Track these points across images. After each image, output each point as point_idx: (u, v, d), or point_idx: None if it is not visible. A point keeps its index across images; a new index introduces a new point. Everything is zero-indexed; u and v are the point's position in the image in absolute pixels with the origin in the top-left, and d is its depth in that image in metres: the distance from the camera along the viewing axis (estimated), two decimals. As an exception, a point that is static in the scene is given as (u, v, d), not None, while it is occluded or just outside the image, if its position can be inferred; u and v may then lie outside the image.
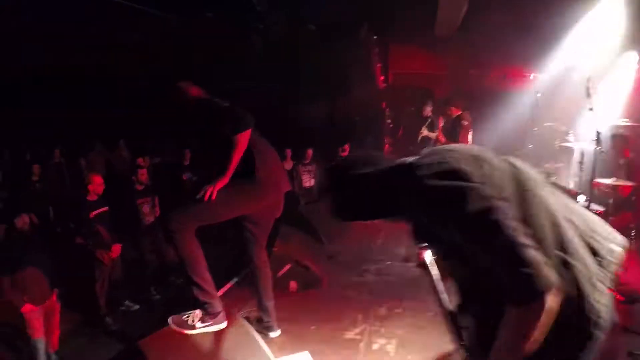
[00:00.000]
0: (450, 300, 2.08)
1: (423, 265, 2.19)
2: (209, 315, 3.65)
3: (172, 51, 12.07)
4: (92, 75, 14.99)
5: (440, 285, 2.09)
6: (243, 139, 3.46)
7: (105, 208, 7.38)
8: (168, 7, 10.08)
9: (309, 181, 9.95)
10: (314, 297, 5.44)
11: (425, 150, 1.91)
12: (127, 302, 7.82)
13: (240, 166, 3.53)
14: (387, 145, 12.55)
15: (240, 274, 5.51)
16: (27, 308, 5.94)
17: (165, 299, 8.01)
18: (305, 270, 5.63)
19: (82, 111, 17.06)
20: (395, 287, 5.75)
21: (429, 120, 10.04)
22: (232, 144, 3.47)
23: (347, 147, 11.56)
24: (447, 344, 4.20)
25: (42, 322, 6.11)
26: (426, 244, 2.06)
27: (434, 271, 2.13)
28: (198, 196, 3.45)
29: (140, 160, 9.39)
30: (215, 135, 3.60)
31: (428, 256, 2.18)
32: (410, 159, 1.89)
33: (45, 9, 9.51)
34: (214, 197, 3.41)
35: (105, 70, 14.11)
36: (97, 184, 7.33)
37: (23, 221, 6.18)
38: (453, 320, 2.02)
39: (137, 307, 7.84)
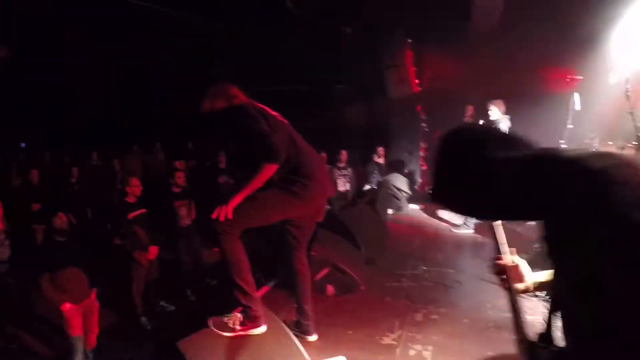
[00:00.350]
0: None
1: (504, 276, 1.93)
2: (249, 319, 3.66)
3: (208, 54, 12.21)
4: (129, 79, 15.26)
5: (521, 305, 1.80)
6: (268, 170, 3.43)
7: (143, 210, 7.48)
8: (205, 12, 10.19)
9: (343, 185, 9.92)
10: (350, 302, 5.40)
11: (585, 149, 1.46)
12: (162, 303, 7.91)
13: (289, 171, 3.55)
14: (422, 149, 12.45)
15: (277, 277, 5.52)
16: (66, 306, 6.04)
17: (200, 301, 8.08)
18: (343, 274, 5.61)
19: (119, 114, 17.47)
20: (431, 293, 5.71)
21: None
22: (258, 167, 3.46)
23: (381, 150, 11.53)
24: (483, 352, 4.21)
25: (80, 320, 6.21)
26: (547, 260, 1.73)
27: (517, 286, 1.87)
28: (212, 215, 3.45)
29: (177, 164, 9.52)
30: (249, 143, 3.61)
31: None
32: (564, 153, 1.38)
33: (88, 12, 9.70)
34: (229, 215, 3.39)
35: (141, 73, 14.31)
36: (134, 186, 7.45)
37: (61, 220, 6.30)
38: (531, 351, 1.68)
39: (172, 308, 7.92)
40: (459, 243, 7.84)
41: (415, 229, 8.63)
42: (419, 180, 12.22)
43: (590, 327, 1.37)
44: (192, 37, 11.80)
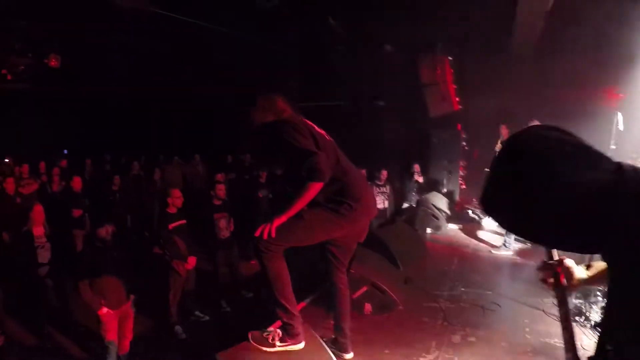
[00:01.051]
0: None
1: (558, 291, 1.83)
2: (288, 335, 3.68)
3: (249, 69, 12.35)
4: (172, 92, 15.51)
5: (568, 319, 1.75)
6: (313, 189, 3.39)
7: (183, 221, 7.61)
8: (249, 29, 10.33)
9: (382, 203, 9.88)
10: (388, 321, 5.37)
11: None
12: (197, 313, 7.97)
13: (335, 192, 3.52)
14: (461, 168, 12.35)
15: (315, 293, 5.52)
16: (103, 310, 6.14)
17: (235, 312, 8.13)
18: (381, 293, 5.57)
19: (161, 126, 17.82)
20: (469, 315, 5.63)
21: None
22: (302, 186, 3.42)
23: (417, 167, 11.48)
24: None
25: (116, 325, 6.30)
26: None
27: (568, 304, 1.80)
28: (255, 233, 3.42)
29: (219, 176, 9.62)
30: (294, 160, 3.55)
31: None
32: None
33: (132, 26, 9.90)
34: (273, 234, 3.37)
35: (186, 87, 14.51)
36: (175, 198, 7.56)
37: (106, 231, 6.40)
38: None
39: (206, 318, 7.97)
40: (498, 265, 7.72)
41: (453, 249, 8.55)
42: (458, 199, 12.13)
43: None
44: (233, 51, 11.96)
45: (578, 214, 1.21)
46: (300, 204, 3.43)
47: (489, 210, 1.40)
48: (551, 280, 1.88)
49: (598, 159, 1.25)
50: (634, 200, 1.18)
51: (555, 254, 1.89)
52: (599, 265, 1.84)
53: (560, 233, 1.29)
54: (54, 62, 11.26)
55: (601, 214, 1.20)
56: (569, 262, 1.92)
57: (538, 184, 1.23)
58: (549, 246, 1.60)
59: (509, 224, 1.42)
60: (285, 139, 3.47)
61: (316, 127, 3.71)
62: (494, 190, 1.37)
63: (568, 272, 1.90)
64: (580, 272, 1.92)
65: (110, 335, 6.23)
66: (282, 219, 3.41)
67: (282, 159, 3.79)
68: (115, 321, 6.29)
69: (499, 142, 9.73)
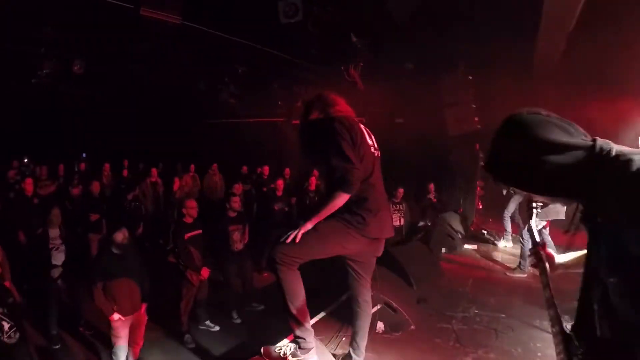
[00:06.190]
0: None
1: (541, 268, 2.17)
2: (301, 350, 3.62)
3: (270, 83, 12.43)
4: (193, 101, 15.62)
5: (552, 299, 1.99)
6: (341, 198, 3.35)
7: (199, 231, 7.62)
8: (272, 43, 10.39)
9: (398, 220, 9.80)
10: (400, 340, 5.32)
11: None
12: (207, 322, 7.96)
13: (353, 203, 3.43)
14: (479, 188, 12.27)
15: (330, 307, 5.51)
16: (114, 317, 6.13)
17: (245, 324, 8.11)
18: (394, 312, 5.54)
19: (180, 135, 17.96)
20: (481, 337, 5.58)
21: None
22: (330, 194, 3.39)
23: (432, 187, 11.42)
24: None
25: (127, 331, 6.29)
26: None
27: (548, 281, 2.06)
28: (284, 240, 3.39)
29: (235, 188, 9.61)
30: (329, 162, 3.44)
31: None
32: (616, 147, 1.61)
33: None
34: (297, 241, 3.34)
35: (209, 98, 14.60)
36: (190, 208, 7.57)
37: (123, 235, 6.39)
38: (565, 342, 1.83)
39: (217, 328, 7.95)
40: (512, 287, 7.64)
41: (468, 270, 8.48)
42: (474, 219, 12.03)
43: (623, 297, 1.55)
44: (254, 63, 12.06)
45: (562, 169, 1.61)
46: (326, 212, 3.38)
47: (496, 173, 1.78)
48: (538, 264, 2.23)
49: (577, 132, 1.69)
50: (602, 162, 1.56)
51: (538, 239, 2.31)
52: (577, 253, 2.16)
53: (549, 185, 1.68)
54: (77, 68, 11.37)
55: (580, 170, 1.59)
56: (551, 250, 2.27)
57: (532, 146, 1.64)
58: (543, 195, 1.82)
59: (510, 182, 1.80)
60: (331, 138, 3.40)
61: (367, 135, 3.65)
62: (498, 157, 1.76)
63: (550, 259, 2.25)
64: (560, 258, 2.26)
65: (120, 341, 6.21)
66: (308, 226, 3.39)
67: (321, 157, 3.56)
68: (127, 327, 6.28)
69: None
